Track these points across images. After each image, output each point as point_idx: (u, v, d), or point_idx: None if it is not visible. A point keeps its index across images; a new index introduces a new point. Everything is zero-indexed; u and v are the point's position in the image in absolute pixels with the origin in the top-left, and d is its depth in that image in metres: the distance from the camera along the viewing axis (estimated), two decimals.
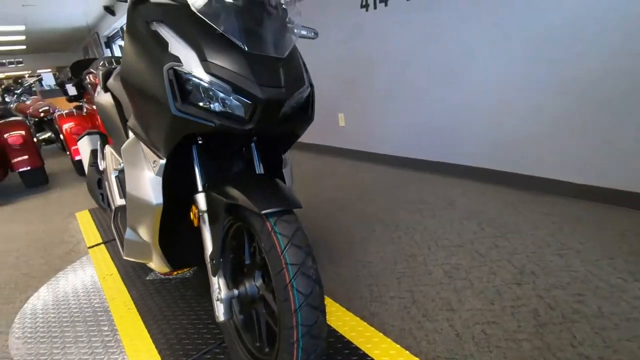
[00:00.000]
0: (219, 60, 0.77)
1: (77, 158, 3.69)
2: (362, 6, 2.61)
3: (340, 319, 1.23)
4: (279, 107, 0.83)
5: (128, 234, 1.03)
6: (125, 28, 0.90)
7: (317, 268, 0.78)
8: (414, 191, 2.30)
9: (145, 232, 0.99)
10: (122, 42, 8.47)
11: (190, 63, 0.77)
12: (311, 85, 0.98)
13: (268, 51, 0.82)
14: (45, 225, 2.53)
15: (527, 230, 1.67)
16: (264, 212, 0.74)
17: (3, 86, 7.82)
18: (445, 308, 1.24)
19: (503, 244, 1.59)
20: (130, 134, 0.98)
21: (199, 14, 0.78)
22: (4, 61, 12.61)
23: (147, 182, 0.91)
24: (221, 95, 0.78)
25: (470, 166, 2.33)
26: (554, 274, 1.35)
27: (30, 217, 2.79)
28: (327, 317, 1.20)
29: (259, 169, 1.01)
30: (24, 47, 11.43)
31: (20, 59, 12.74)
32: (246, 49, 0.78)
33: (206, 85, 0.77)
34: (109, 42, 9.44)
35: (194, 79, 0.77)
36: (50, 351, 1.15)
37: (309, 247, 0.78)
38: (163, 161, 0.89)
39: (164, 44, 0.79)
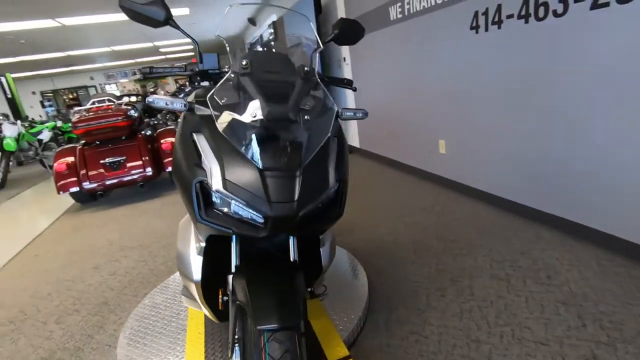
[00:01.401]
0: (237, 179, 0.83)
1: None
2: (471, 28, 2.31)
3: None
4: (292, 218, 0.84)
5: (182, 290, 1.21)
6: (177, 132, 1.05)
7: None
8: (509, 247, 1.98)
9: (194, 293, 1.15)
10: (259, 49, 9.58)
11: (214, 179, 0.85)
12: (341, 181, 0.95)
13: (284, 166, 0.84)
14: (175, 223, 3.14)
15: None
16: (258, 327, 0.79)
17: (174, 89, 9.75)
18: None
19: (606, 356, 1.25)
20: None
21: (222, 133, 0.85)
22: (179, 64, 16.11)
23: (190, 259, 1.05)
24: (238, 208, 0.85)
25: (593, 228, 1.86)
26: None
27: (170, 211, 3.50)
28: None
29: (294, 254, 1.04)
30: (192, 53, 14.20)
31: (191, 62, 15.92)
32: (260, 167, 0.82)
33: (225, 200, 0.85)
34: (251, 47, 10.77)
35: (215, 193, 0.85)
36: (136, 359, 1.46)
37: None
38: (203, 244, 1.01)
39: (198, 155, 0.90)
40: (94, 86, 15.50)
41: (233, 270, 1.01)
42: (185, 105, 0.97)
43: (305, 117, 0.89)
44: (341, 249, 2.14)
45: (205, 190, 0.87)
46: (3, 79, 10.20)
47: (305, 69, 0.95)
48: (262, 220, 0.85)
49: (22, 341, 1.81)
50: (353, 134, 4.54)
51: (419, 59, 2.94)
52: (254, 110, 0.84)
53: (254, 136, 0.84)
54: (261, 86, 0.87)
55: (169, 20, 1.08)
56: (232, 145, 0.85)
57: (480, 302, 1.60)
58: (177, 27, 1.10)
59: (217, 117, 0.88)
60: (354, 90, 1.31)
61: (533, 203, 2.19)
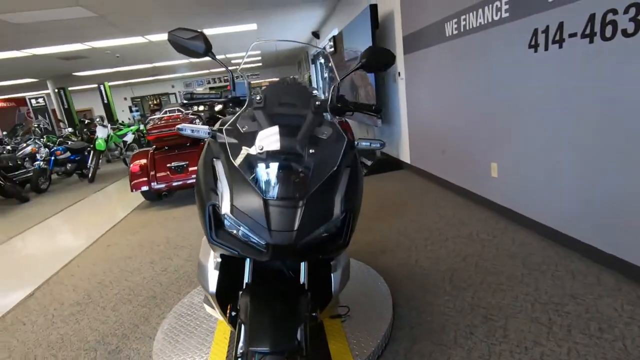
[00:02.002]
0: (242, 205, 0.90)
1: None
2: (530, 46, 2.16)
3: None
4: (292, 247, 0.88)
5: (204, 298, 1.31)
6: (200, 157, 1.15)
7: None
8: (559, 289, 1.79)
9: (212, 303, 1.24)
10: (322, 60, 9.84)
11: (224, 203, 0.93)
12: (349, 211, 0.97)
13: (287, 196, 0.88)
14: None
15: None
16: (251, 349, 0.83)
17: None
18: None
19: None
20: None
21: (234, 163, 0.92)
22: (248, 74, 17.14)
23: (208, 272, 1.14)
24: (242, 232, 0.91)
25: None
26: None
27: None
28: None
29: (303, 277, 1.08)
30: (260, 64, 15.09)
31: (258, 73, 16.87)
32: (264, 196, 0.88)
33: (233, 223, 0.91)
34: (314, 59, 11.09)
35: (224, 216, 0.93)
36: (167, 354, 1.60)
37: None
38: (219, 260, 1.09)
39: (215, 179, 0.98)
40: (174, 93, 17.19)
41: (244, 286, 1.08)
42: (209, 133, 1.07)
43: (310, 150, 0.93)
44: (371, 269, 2.11)
45: (217, 213, 0.95)
46: (102, 87, 11.81)
47: (317, 102, 0.99)
48: (261, 249, 0.90)
49: (83, 322, 2.08)
50: (405, 150, 4.45)
51: (473, 77, 2.80)
52: (261, 143, 0.90)
53: (260, 167, 0.90)
54: (272, 120, 0.93)
55: (208, 52, 1.20)
56: (241, 173, 0.92)
57: (513, 347, 1.47)
58: (214, 57, 1.21)
59: (231, 146, 0.95)
60: (379, 118, 1.32)
61: (599, 243, 1.95)
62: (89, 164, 6.75)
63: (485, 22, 2.52)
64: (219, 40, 8.09)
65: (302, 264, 1.09)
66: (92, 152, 6.80)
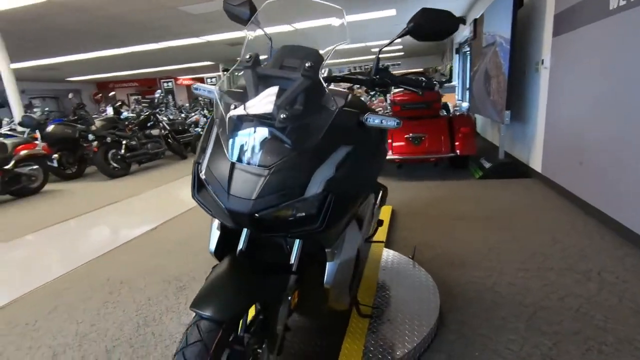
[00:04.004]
0: (213, 167, 0.88)
1: None
2: None
3: None
4: (250, 215, 0.82)
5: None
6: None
7: None
8: None
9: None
10: (467, 49, 8.88)
11: (203, 163, 0.93)
12: (331, 192, 0.84)
13: (252, 161, 0.82)
14: None
15: None
16: (191, 308, 0.82)
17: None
18: None
19: None
20: None
21: (215, 126, 0.90)
22: (389, 64, 16.97)
23: (211, 231, 1.17)
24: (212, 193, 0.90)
25: None
26: None
27: None
28: None
29: (293, 257, 1.01)
30: (402, 53, 14.70)
31: (399, 62, 16.53)
32: (232, 159, 0.83)
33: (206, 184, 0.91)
34: (459, 49, 10.10)
35: (200, 177, 0.93)
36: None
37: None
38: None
39: (210, 139, 0.99)
40: None
41: (233, 252, 1.08)
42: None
43: (282, 115, 0.82)
44: (429, 278, 1.82)
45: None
46: None
47: (307, 64, 0.86)
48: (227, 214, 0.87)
49: (173, 259, 2.49)
50: (536, 155, 3.66)
51: None
52: (239, 104, 0.85)
53: (234, 129, 0.86)
54: (260, 81, 0.86)
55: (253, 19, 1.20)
56: (218, 135, 0.90)
57: None
58: (258, 24, 1.21)
59: (223, 106, 0.94)
60: (421, 94, 1.08)
61: None
62: None
63: None
64: (357, 27, 8.20)
65: (297, 242, 1.02)
66: None
